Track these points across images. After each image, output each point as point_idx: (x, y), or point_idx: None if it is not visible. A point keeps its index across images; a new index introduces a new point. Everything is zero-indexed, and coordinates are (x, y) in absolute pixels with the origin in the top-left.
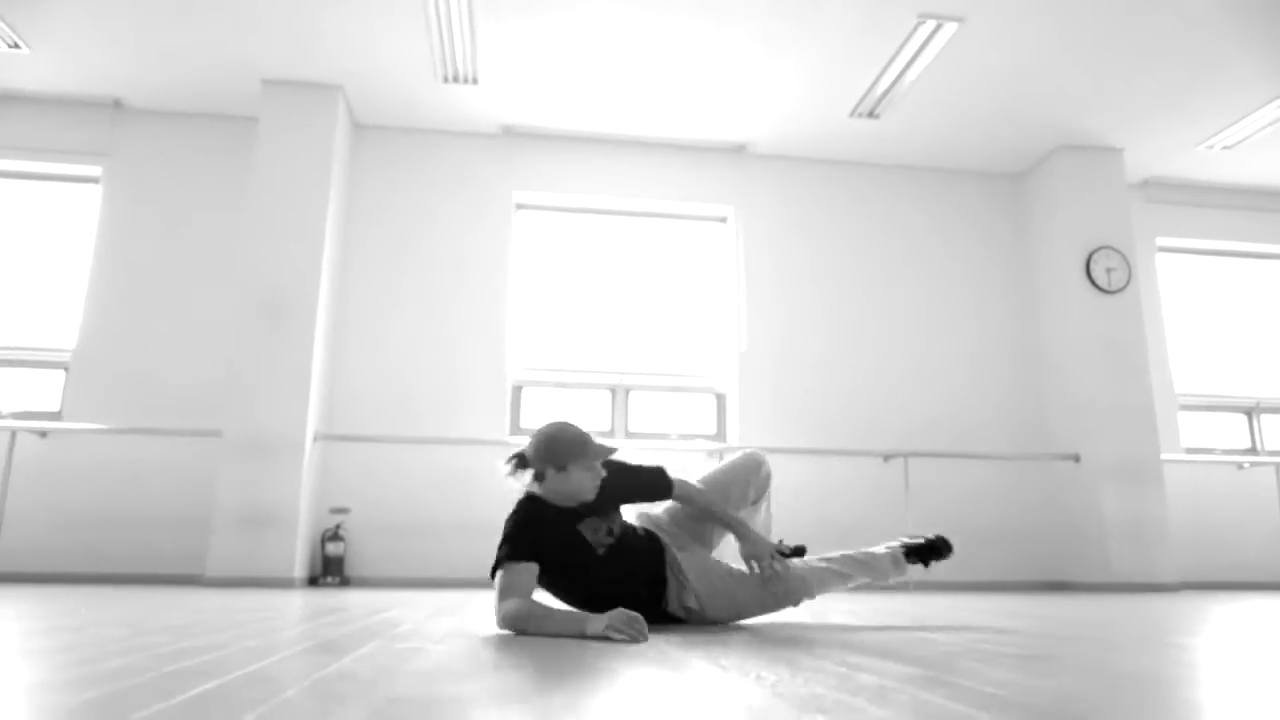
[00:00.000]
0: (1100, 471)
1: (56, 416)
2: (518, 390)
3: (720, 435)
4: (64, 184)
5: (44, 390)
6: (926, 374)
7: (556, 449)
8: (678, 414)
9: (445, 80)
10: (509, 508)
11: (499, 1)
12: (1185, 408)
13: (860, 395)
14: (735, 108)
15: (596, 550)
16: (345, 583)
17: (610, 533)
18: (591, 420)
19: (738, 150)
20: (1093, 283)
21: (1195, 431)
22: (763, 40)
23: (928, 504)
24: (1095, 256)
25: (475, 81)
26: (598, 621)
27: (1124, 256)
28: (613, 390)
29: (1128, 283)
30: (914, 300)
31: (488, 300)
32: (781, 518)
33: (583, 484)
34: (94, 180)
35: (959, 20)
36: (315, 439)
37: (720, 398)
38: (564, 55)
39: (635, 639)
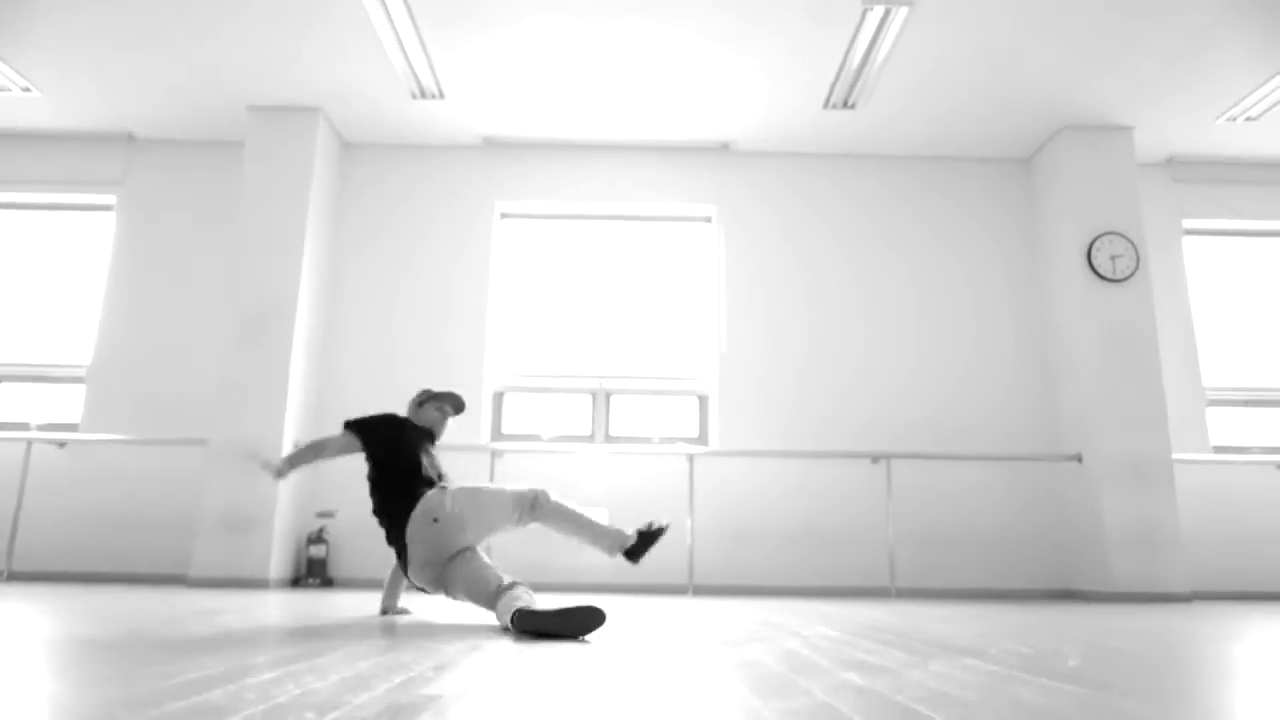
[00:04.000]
0: (1104, 472)
1: (75, 428)
2: (499, 397)
3: (703, 438)
4: (82, 212)
5: (66, 403)
6: (921, 372)
7: (430, 392)
8: (660, 417)
9: (414, 96)
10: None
11: (444, 21)
12: (1215, 403)
13: (849, 395)
14: (712, 106)
15: (421, 461)
16: (328, 583)
17: (434, 466)
18: (573, 424)
19: (721, 149)
20: (1095, 271)
21: (1227, 429)
22: (716, 37)
23: (919, 507)
24: (1098, 243)
25: (442, 96)
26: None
27: (1131, 242)
28: (594, 394)
29: (1135, 270)
30: (908, 295)
31: (470, 310)
32: (766, 521)
33: (435, 420)
34: (109, 208)
35: (909, 4)
36: (295, 447)
37: (702, 400)
38: (527, 65)
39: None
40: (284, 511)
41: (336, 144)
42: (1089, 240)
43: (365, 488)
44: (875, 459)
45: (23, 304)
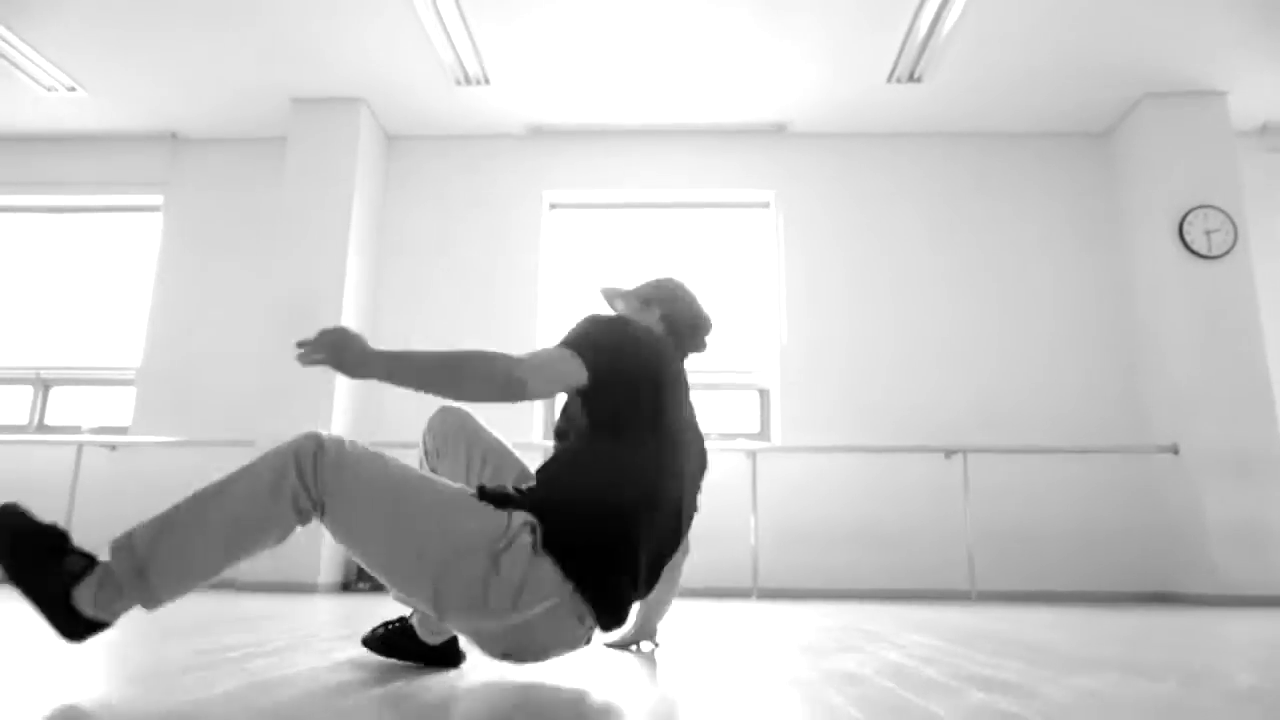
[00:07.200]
0: (1204, 465)
1: (126, 431)
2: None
3: (764, 434)
4: (130, 214)
5: (117, 406)
6: (999, 361)
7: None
8: (718, 412)
9: (458, 83)
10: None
11: (488, 1)
12: None
13: (920, 387)
14: (767, 85)
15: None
16: (379, 587)
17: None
18: None
19: (777, 130)
20: (1188, 247)
21: None
22: (763, 12)
23: (998, 504)
24: (1190, 217)
25: (487, 82)
26: None
27: (1228, 216)
28: None
29: (1233, 246)
30: (980, 280)
31: (520, 304)
32: (833, 521)
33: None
34: (155, 209)
35: None
36: None
37: (763, 394)
38: (571, 48)
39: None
40: None
41: (380, 136)
42: (1180, 214)
43: None
44: (949, 454)
45: (73, 307)
